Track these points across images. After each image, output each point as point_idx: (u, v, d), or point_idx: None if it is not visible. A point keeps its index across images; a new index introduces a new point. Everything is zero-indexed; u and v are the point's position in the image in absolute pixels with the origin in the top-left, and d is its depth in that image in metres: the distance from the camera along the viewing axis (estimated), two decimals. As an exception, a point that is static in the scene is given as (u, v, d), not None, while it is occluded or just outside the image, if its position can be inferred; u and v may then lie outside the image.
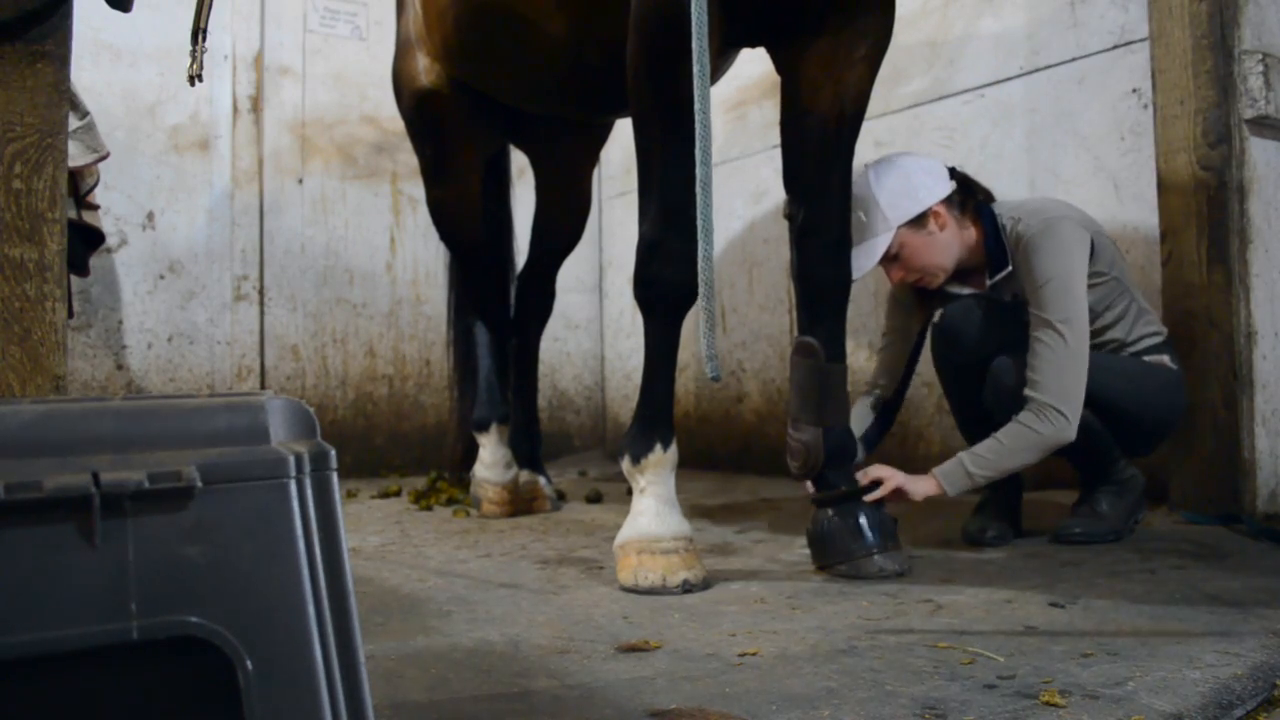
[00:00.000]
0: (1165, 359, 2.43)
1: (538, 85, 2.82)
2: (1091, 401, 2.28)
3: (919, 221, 2.36)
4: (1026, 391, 2.23)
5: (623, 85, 2.09)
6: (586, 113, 3.11)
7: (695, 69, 1.46)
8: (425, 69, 3.08)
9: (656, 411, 2.06)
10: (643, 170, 2.07)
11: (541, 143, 3.40)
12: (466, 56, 2.89)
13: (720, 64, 2.58)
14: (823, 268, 2.14)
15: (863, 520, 2.07)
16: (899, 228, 2.34)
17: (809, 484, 2.20)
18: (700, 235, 1.47)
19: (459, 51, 2.90)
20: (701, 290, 1.48)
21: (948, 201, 2.39)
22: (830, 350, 2.12)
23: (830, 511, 2.10)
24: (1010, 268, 2.38)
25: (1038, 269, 2.27)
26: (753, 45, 2.35)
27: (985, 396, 2.39)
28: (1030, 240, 2.31)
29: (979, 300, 2.45)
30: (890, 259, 2.38)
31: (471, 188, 3.27)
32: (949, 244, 2.40)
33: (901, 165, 2.39)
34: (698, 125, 1.47)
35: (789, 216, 2.22)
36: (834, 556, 2.06)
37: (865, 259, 2.32)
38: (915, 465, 3.46)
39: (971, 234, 2.43)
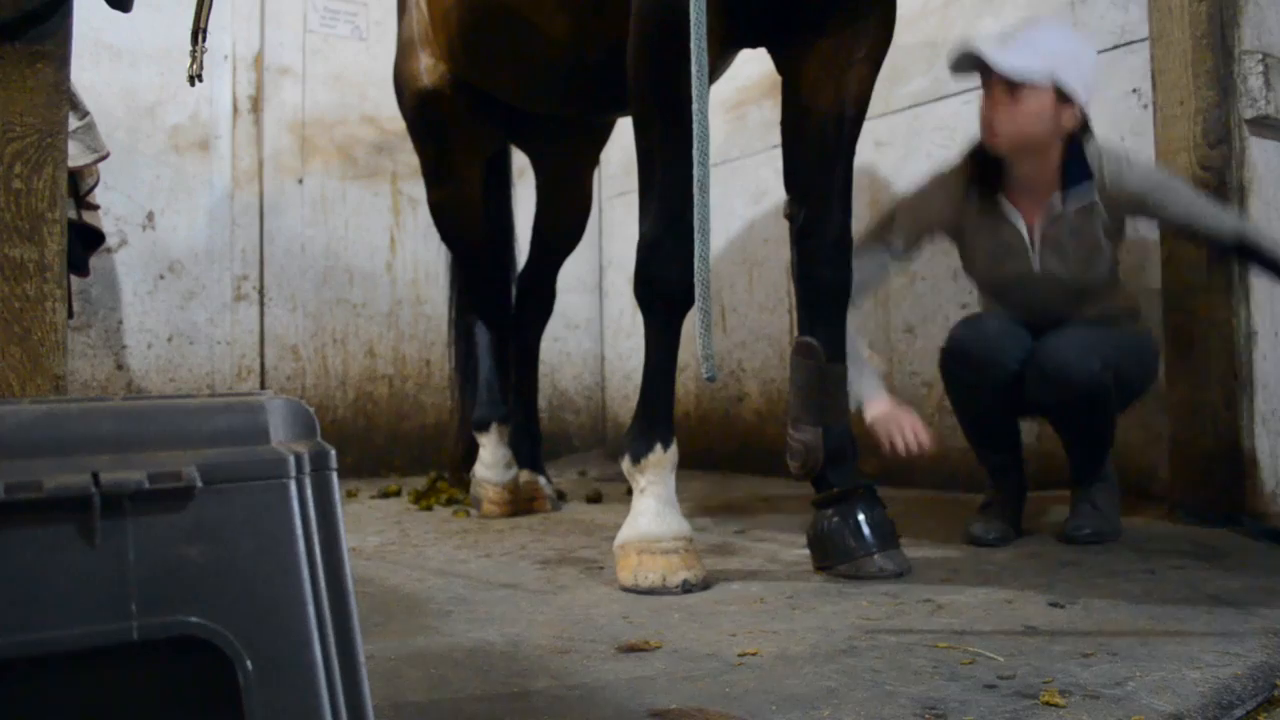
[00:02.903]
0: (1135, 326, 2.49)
1: (540, 85, 2.82)
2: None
3: (1063, 98, 2.28)
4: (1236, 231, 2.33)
5: (624, 84, 2.09)
6: (588, 112, 3.11)
7: (694, 69, 1.45)
8: (427, 69, 3.08)
9: (656, 411, 2.06)
10: (643, 170, 2.07)
11: (542, 143, 3.40)
12: (469, 56, 2.89)
13: (720, 64, 2.58)
14: (823, 268, 2.14)
15: (863, 520, 2.06)
16: (1051, 80, 2.25)
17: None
18: (697, 236, 1.47)
19: (462, 51, 2.90)
20: (698, 291, 1.48)
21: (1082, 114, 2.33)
22: (830, 350, 2.13)
23: (830, 511, 2.10)
24: (1092, 179, 2.32)
25: (1176, 200, 2.33)
26: (754, 45, 2.35)
27: (1028, 389, 2.35)
28: (1127, 171, 2.33)
29: (986, 318, 2.44)
30: (1012, 88, 2.27)
31: (472, 188, 3.27)
32: (1050, 143, 2.32)
33: (1093, 57, 2.37)
34: (695, 126, 1.47)
35: (789, 216, 2.21)
36: (834, 557, 2.06)
37: (1020, 58, 2.24)
38: (916, 465, 3.46)
39: (1056, 154, 2.34)
